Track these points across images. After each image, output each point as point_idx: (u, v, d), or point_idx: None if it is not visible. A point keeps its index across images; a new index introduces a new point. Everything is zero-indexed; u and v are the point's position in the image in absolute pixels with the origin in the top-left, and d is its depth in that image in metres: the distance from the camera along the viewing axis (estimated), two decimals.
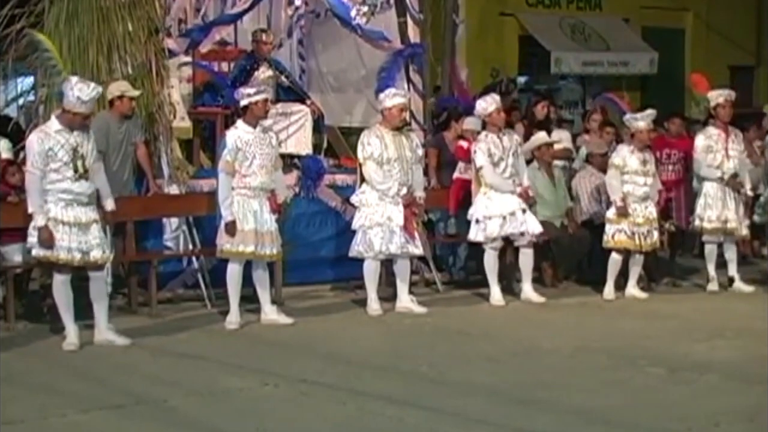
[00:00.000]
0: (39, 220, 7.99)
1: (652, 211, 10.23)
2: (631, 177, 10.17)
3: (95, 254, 8.15)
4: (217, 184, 9.12)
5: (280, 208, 9.22)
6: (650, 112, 10.39)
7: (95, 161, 8.25)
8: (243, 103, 9.09)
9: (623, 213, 10.10)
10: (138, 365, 7.73)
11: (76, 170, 8.04)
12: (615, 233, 10.18)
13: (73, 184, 8.05)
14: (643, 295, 10.34)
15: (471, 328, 9.09)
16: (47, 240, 7.98)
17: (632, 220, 10.13)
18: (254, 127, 9.06)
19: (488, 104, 10.07)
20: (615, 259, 10.29)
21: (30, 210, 8.04)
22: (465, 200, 10.54)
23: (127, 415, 6.45)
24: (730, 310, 9.81)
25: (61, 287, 8.18)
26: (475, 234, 10.01)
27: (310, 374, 7.33)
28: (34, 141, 8.06)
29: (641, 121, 10.25)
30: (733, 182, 10.60)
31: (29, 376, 7.44)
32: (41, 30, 9.62)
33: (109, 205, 8.37)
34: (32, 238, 8.07)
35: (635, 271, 10.38)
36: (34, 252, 8.11)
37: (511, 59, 20.26)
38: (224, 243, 8.98)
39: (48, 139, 8.01)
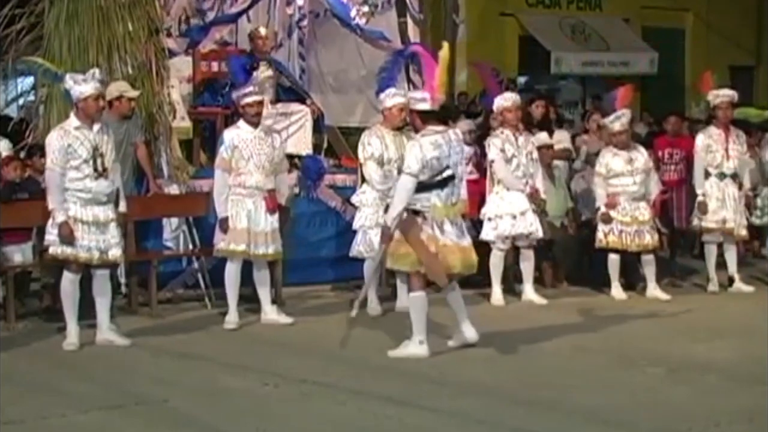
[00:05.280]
0: (59, 216, 7.96)
1: (643, 212, 10.21)
2: (619, 179, 10.19)
3: (113, 252, 8.17)
4: None
5: (277, 207, 9.19)
6: (622, 113, 10.32)
7: (114, 161, 8.26)
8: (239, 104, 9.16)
9: (607, 219, 10.15)
10: (138, 365, 7.73)
11: (95, 168, 8.03)
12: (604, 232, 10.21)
13: (93, 183, 8.03)
14: (665, 296, 10.23)
15: None
16: (68, 236, 7.95)
17: (620, 219, 10.13)
18: (255, 126, 9.08)
19: (504, 101, 10.11)
20: (612, 258, 10.29)
21: (50, 206, 8.01)
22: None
23: (127, 415, 6.45)
24: (730, 310, 9.81)
25: (69, 286, 8.16)
26: (486, 233, 10.02)
27: (310, 374, 7.33)
28: (53, 138, 8.05)
29: (615, 122, 10.25)
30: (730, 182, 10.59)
31: (29, 376, 7.43)
32: (41, 30, 9.63)
33: (122, 206, 8.39)
34: (51, 236, 8.04)
35: (650, 271, 10.32)
36: (52, 249, 8.06)
37: (511, 59, 20.29)
38: (219, 241, 9.02)
39: (67, 135, 8.00)
